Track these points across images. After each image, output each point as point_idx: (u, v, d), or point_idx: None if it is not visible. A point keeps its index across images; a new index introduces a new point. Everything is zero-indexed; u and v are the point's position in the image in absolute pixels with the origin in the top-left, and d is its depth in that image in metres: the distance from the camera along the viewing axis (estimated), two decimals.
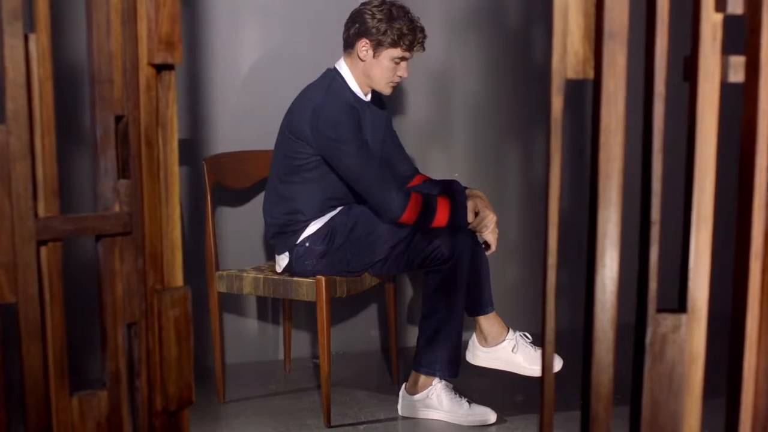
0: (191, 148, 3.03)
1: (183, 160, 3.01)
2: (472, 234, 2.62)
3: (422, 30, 2.57)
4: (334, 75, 2.62)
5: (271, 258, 3.02)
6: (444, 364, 2.59)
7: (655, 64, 1.07)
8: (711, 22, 1.06)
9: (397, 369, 2.99)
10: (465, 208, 2.55)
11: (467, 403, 2.60)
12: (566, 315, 3.11)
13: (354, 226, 2.58)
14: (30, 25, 1.10)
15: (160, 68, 1.21)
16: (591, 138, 1.09)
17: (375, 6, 2.55)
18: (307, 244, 2.62)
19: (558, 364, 2.44)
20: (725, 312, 1.19)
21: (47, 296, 1.14)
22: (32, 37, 1.10)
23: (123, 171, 1.19)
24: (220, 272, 2.75)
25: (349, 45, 2.60)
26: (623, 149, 1.07)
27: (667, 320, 1.09)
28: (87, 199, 2.80)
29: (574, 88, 2.99)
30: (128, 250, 1.19)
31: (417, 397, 2.63)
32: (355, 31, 2.56)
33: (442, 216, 2.51)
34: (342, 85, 2.60)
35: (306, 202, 2.62)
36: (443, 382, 2.62)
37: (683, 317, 1.09)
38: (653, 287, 1.08)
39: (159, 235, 1.22)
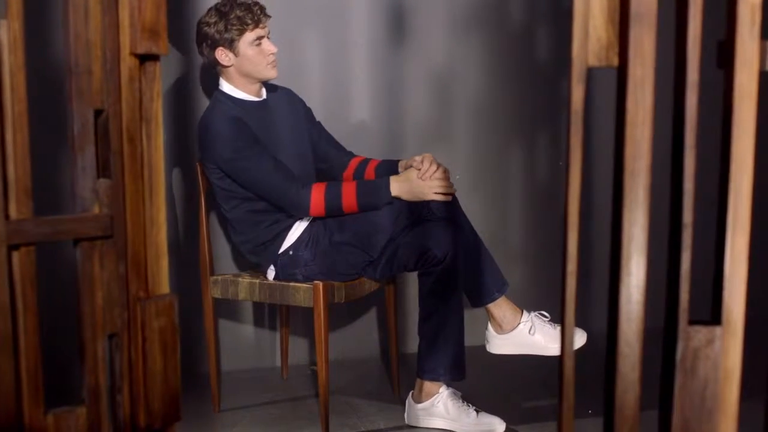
0: (185, 150, 2.95)
1: (176, 161, 2.95)
2: (467, 230, 2.58)
3: (255, 3, 2.59)
4: (216, 95, 2.65)
5: None
6: (447, 367, 2.52)
7: (687, 50, 0.99)
8: (749, 4, 0.97)
9: (398, 376, 2.90)
10: (380, 186, 2.52)
11: (475, 411, 2.52)
12: None
13: (335, 230, 2.56)
14: (2, 11, 1.01)
15: (144, 59, 1.15)
16: (615, 132, 0.99)
17: (205, 16, 2.60)
18: (290, 252, 2.60)
19: (581, 339, 2.41)
20: (764, 319, 1.10)
21: (20, 305, 1.06)
22: (3, 24, 1.03)
23: (103, 169, 1.12)
24: (215, 277, 2.68)
25: (213, 63, 2.64)
26: (651, 144, 0.98)
27: (700, 333, 0.99)
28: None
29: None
30: (109, 255, 1.11)
31: (422, 405, 2.55)
32: (207, 49, 2.61)
33: (349, 199, 2.52)
34: (225, 99, 2.62)
35: (258, 216, 2.60)
36: (450, 389, 2.55)
37: (717, 330, 1.00)
38: (685, 297, 0.98)
39: (142, 239, 1.14)
